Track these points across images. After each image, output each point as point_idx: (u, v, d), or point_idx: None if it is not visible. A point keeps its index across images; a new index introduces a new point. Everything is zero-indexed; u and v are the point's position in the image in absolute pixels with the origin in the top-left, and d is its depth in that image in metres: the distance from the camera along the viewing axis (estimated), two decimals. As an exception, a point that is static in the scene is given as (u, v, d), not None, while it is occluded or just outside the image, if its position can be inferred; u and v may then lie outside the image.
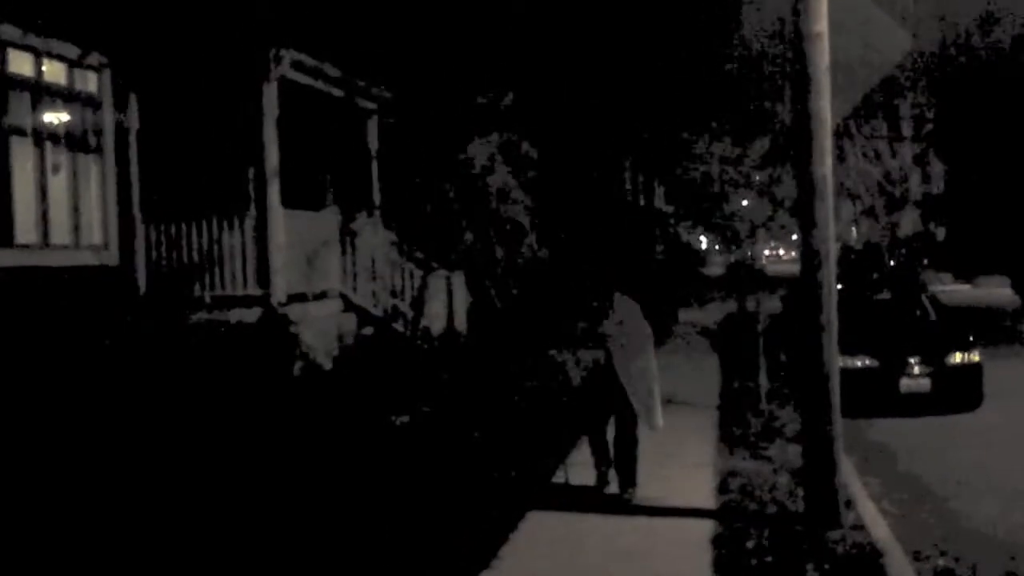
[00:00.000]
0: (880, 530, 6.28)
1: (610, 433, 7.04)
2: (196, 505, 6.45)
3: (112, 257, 10.53)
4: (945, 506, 7.08)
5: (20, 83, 9.37)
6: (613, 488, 6.99)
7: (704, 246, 56.21)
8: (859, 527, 6.24)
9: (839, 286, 7.88)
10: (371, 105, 14.01)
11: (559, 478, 7.36)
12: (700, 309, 26.09)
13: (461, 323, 13.94)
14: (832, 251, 6.45)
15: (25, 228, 9.35)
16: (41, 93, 9.64)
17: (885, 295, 13.19)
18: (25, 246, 9.31)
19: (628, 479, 6.88)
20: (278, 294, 10.89)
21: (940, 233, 42.93)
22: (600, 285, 7.09)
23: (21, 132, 9.41)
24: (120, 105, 10.66)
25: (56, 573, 5.45)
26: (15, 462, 6.92)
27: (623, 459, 6.91)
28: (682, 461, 8.10)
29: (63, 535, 5.89)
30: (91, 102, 10.39)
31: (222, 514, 6.31)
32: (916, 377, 10.54)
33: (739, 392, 11.69)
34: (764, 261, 46.01)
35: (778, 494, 7.01)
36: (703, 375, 13.43)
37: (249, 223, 10.99)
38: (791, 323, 12.22)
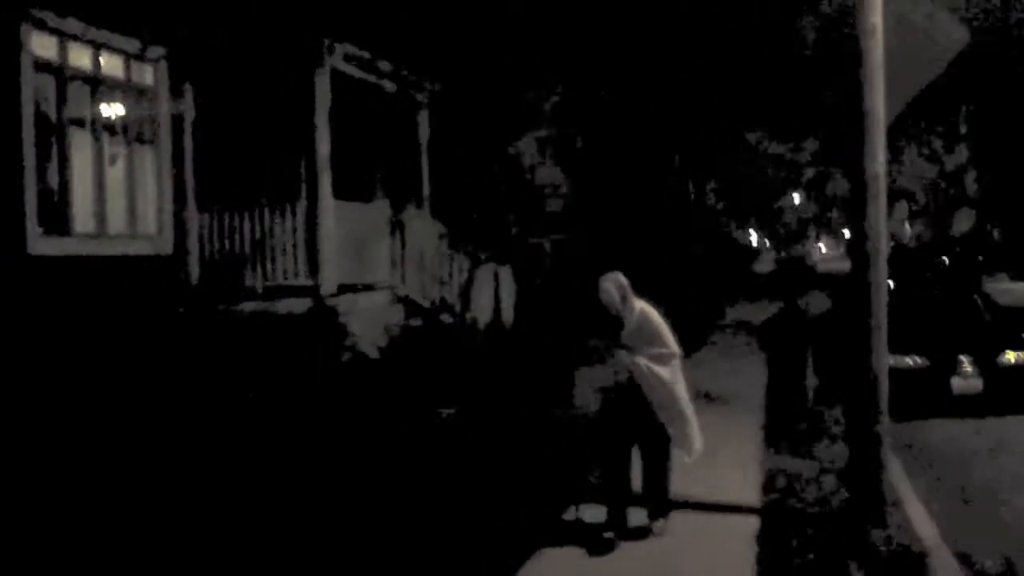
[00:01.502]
0: (927, 531, 6.21)
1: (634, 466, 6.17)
2: (225, 488, 6.57)
3: (166, 246, 10.73)
4: (994, 510, 6.97)
5: (80, 76, 9.60)
6: (636, 520, 6.13)
7: (755, 243, 55.70)
8: (906, 528, 6.18)
9: (891, 284, 7.81)
10: (421, 98, 14.10)
11: (570, 515, 6.44)
12: (749, 306, 25.85)
13: (508, 316, 13.99)
14: (883, 250, 6.38)
15: (83, 217, 9.58)
16: (99, 85, 9.86)
17: (938, 293, 12.97)
18: (83, 235, 9.53)
19: (660, 508, 6.11)
20: (328, 284, 11.03)
21: (996, 233, 42.04)
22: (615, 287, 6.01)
23: (80, 124, 9.64)
24: (176, 96, 10.86)
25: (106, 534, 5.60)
26: (71, 442, 7.10)
27: (653, 486, 6.12)
28: (727, 459, 8.06)
29: (119, 505, 6.05)
30: (147, 94, 10.60)
31: (236, 499, 6.41)
32: (968, 377, 10.37)
33: (786, 390, 11.59)
34: (816, 258, 45.55)
35: (824, 493, 6.96)
36: (749, 373, 13.33)
37: (300, 213, 11.14)
38: (840, 321, 12.10)
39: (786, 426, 9.40)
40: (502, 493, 6.97)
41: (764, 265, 47.45)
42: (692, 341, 16.44)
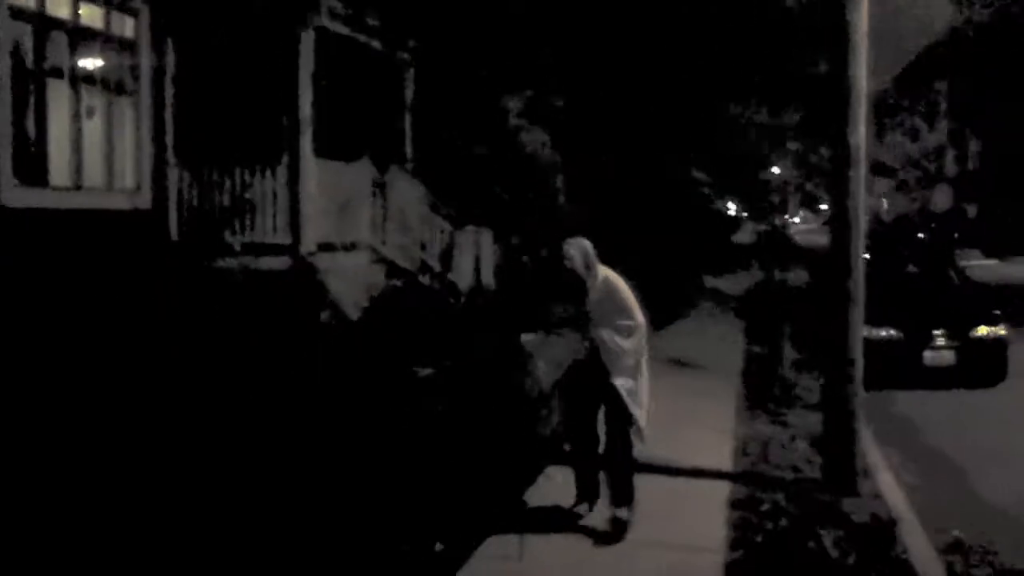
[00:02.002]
0: (897, 499, 6.32)
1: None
2: (198, 447, 6.56)
3: (145, 201, 10.63)
4: (963, 479, 7.10)
5: (58, 25, 9.43)
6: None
7: (732, 213, 55.84)
8: (876, 496, 6.29)
9: (867, 257, 7.86)
10: (406, 57, 13.97)
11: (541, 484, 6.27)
12: (728, 277, 26.00)
13: (488, 279, 13.99)
14: (862, 221, 6.43)
15: (60, 170, 9.46)
16: (78, 35, 9.69)
17: (913, 268, 13.09)
18: (60, 188, 9.42)
19: (623, 495, 5.60)
20: (308, 243, 10.98)
21: (972, 210, 42.39)
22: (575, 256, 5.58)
23: (58, 74, 9.48)
24: (156, 49, 10.69)
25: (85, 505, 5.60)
26: (44, 401, 7.07)
27: (616, 472, 5.65)
28: (703, 424, 8.15)
29: (88, 474, 6.04)
30: (127, 46, 10.43)
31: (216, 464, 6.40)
32: (940, 350, 10.51)
33: (763, 359, 11.70)
34: (795, 231, 45.75)
35: (797, 460, 7.06)
36: (727, 341, 13.44)
37: (281, 171, 11.05)
38: (817, 291, 12.20)
39: (762, 394, 9.51)
40: (471, 458, 6.94)
41: (743, 236, 47.64)
42: (672, 310, 16.54)
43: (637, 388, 5.60)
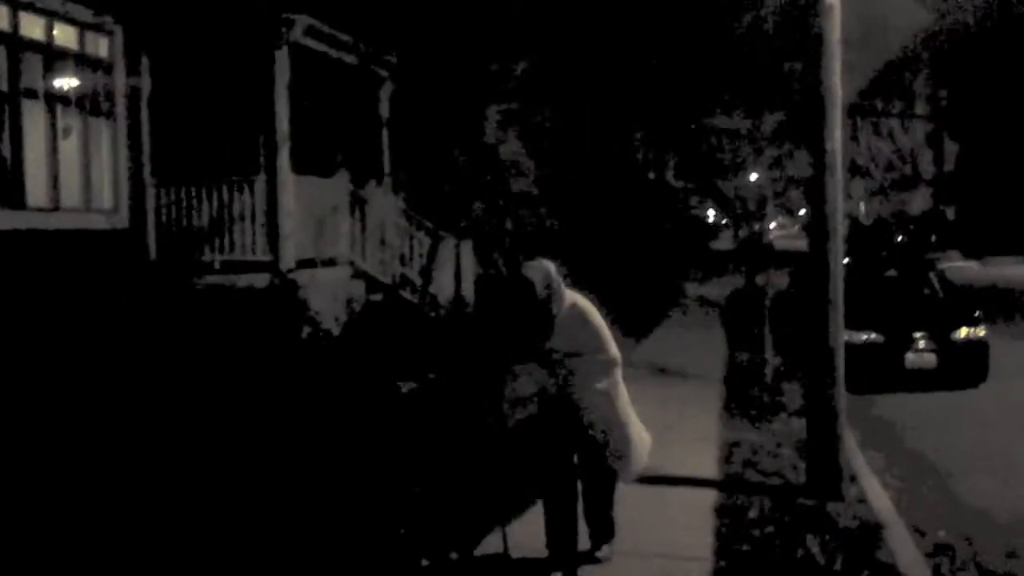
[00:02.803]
0: (882, 504, 6.34)
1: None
2: (179, 458, 6.52)
3: (122, 221, 10.57)
4: (947, 482, 7.13)
5: (33, 47, 9.38)
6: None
7: (711, 220, 56.10)
8: (861, 501, 6.30)
9: (846, 261, 7.91)
10: (383, 72, 13.97)
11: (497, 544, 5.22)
12: (708, 283, 26.09)
13: (469, 292, 13.98)
14: (840, 226, 6.47)
15: (36, 191, 9.39)
16: (53, 57, 9.64)
17: (893, 271, 13.19)
18: (36, 209, 9.35)
19: (604, 532, 5.16)
20: (287, 259, 10.94)
21: (950, 212, 42.76)
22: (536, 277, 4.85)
23: (33, 95, 9.43)
24: (132, 69, 10.66)
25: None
26: (24, 421, 7.00)
27: (596, 513, 5.12)
28: (685, 432, 8.15)
29: (70, 491, 5.98)
30: (102, 66, 10.39)
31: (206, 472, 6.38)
32: (922, 352, 10.57)
33: (745, 366, 11.74)
34: (772, 236, 45.98)
35: (781, 466, 7.07)
36: (709, 348, 13.47)
37: (259, 188, 11.02)
38: (798, 297, 12.25)
39: (745, 400, 9.53)
40: (454, 473, 6.85)
41: (723, 243, 47.84)
42: (652, 317, 16.59)
43: (619, 434, 4.92)
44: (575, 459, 5.02)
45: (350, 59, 12.89)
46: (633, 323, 15.23)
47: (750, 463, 7.17)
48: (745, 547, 5.42)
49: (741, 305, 19.35)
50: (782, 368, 10.96)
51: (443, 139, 15.70)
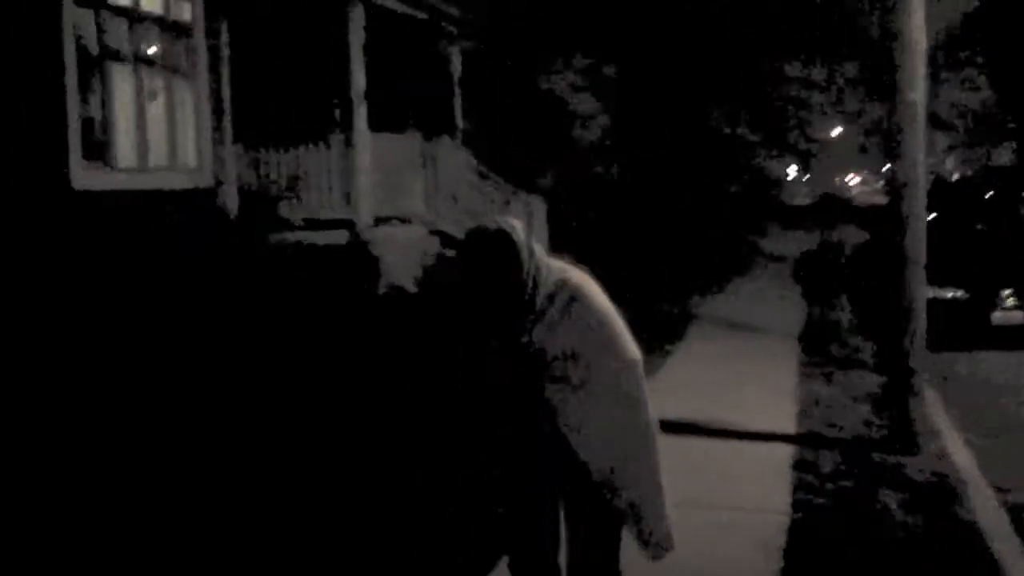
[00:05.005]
0: (963, 460, 6.28)
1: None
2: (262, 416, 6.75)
3: (205, 179, 10.85)
4: (1030, 439, 7.01)
5: (119, 11, 9.64)
6: None
7: (792, 176, 55.07)
8: (941, 457, 6.25)
9: (931, 216, 7.75)
10: (453, 29, 14.00)
11: None
12: (783, 239, 25.71)
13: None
14: (922, 180, 6.35)
15: (125, 151, 9.69)
16: (138, 21, 9.89)
17: (980, 226, 12.85)
18: (125, 169, 9.66)
19: None
20: (364, 217, 11.13)
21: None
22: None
23: (120, 59, 9.70)
24: (212, 32, 10.86)
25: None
26: (119, 370, 7.32)
27: None
28: (760, 386, 8.15)
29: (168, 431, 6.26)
30: (185, 29, 10.62)
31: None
32: (1008, 310, 10.34)
33: (821, 321, 11.62)
34: (854, 191, 45.03)
35: (858, 422, 7.04)
36: (785, 304, 13.35)
37: (336, 146, 11.21)
38: (877, 253, 12.03)
39: (822, 355, 9.46)
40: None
41: (801, 198, 46.99)
42: (724, 273, 16.45)
43: (640, 475, 3.08)
44: (556, 501, 3.20)
45: (421, 15, 12.94)
46: (705, 278, 15.14)
47: (826, 418, 7.15)
48: (821, 500, 5.44)
49: (817, 260, 19.07)
50: (859, 323, 10.83)
51: (514, 94, 15.70)
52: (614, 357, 3.10)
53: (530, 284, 3.04)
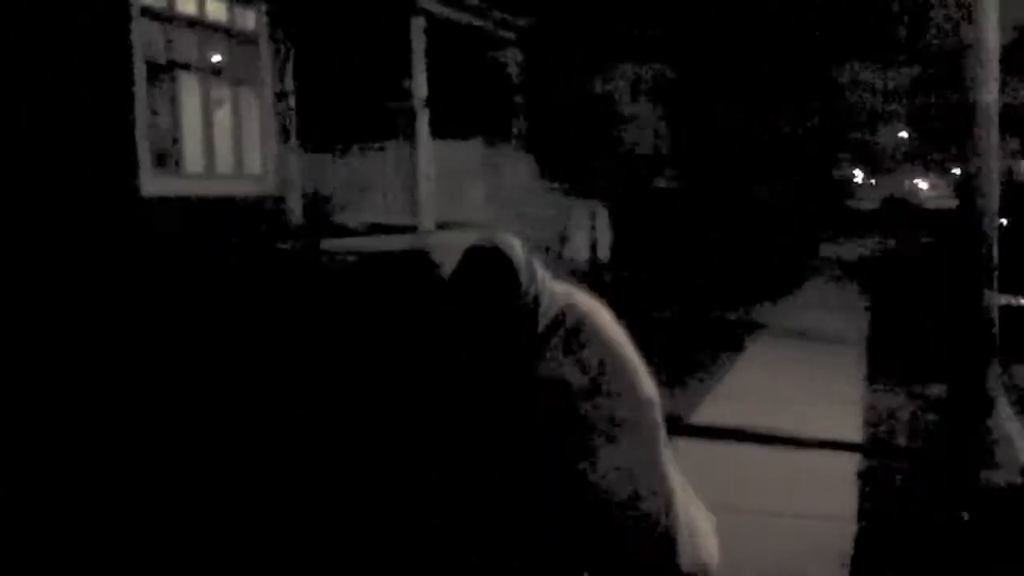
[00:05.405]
0: (1039, 472, 6.09)
1: None
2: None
3: (270, 186, 11.02)
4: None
5: (187, 22, 9.85)
6: None
7: (859, 179, 54.16)
8: (1016, 468, 6.07)
9: (1004, 221, 7.55)
10: (512, 35, 14.04)
11: None
12: (848, 243, 25.27)
13: (604, 253, 13.99)
14: (995, 183, 6.18)
15: (192, 158, 9.91)
16: (204, 30, 10.10)
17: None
18: (193, 175, 9.87)
19: None
20: (426, 222, 11.21)
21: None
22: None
23: (186, 67, 9.92)
24: (275, 40, 11.05)
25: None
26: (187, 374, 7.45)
27: None
28: (825, 395, 8.00)
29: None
30: (249, 38, 10.82)
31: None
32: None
33: (889, 329, 11.38)
34: (923, 195, 44.11)
35: (928, 432, 6.87)
36: (851, 311, 13.10)
37: (398, 153, 11.33)
38: (947, 258, 11.75)
39: (889, 364, 9.26)
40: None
41: (867, 202, 46.16)
42: (788, 279, 16.22)
43: (661, 508, 2.74)
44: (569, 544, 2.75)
45: (479, 23, 13.02)
46: (769, 286, 14.94)
47: (894, 428, 7.00)
48: (890, 511, 5.32)
49: (885, 266, 18.71)
50: (929, 331, 10.58)
51: (574, 100, 15.68)
52: (625, 395, 2.67)
53: (530, 311, 2.67)
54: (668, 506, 2.75)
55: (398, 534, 4.69)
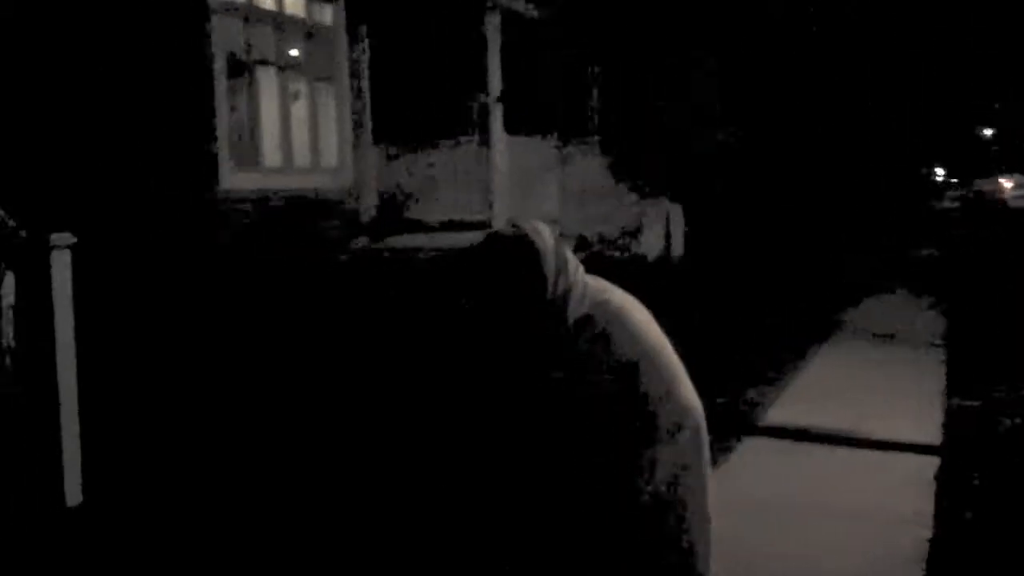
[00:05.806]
0: None
1: None
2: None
3: (345, 180, 11.16)
4: None
5: (265, 17, 10.04)
6: None
7: (940, 178, 52.76)
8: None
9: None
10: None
11: None
12: (930, 243, 24.63)
13: (678, 252, 13.88)
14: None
15: (270, 152, 10.09)
16: (282, 25, 10.28)
17: None
18: (271, 169, 10.05)
19: None
20: (499, 218, 11.24)
21: None
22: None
23: (264, 62, 10.10)
24: (352, 35, 11.19)
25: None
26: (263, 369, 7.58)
27: None
28: (901, 395, 7.82)
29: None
30: (326, 33, 10.98)
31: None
32: None
33: (969, 331, 11.06)
34: (1008, 195, 42.80)
35: (1011, 435, 6.67)
36: (931, 312, 12.77)
37: (472, 148, 11.38)
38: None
39: (970, 366, 9.01)
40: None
41: (948, 202, 44.95)
42: (869, 279, 15.86)
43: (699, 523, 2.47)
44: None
45: (552, 19, 13.00)
46: (848, 285, 14.66)
47: (978, 430, 6.80)
48: (969, 514, 5.17)
49: (965, 267, 18.19)
50: (1011, 332, 10.27)
51: (650, 97, 15.57)
52: (663, 404, 2.38)
53: (557, 305, 2.37)
54: (701, 519, 2.48)
55: (422, 533, 4.72)
